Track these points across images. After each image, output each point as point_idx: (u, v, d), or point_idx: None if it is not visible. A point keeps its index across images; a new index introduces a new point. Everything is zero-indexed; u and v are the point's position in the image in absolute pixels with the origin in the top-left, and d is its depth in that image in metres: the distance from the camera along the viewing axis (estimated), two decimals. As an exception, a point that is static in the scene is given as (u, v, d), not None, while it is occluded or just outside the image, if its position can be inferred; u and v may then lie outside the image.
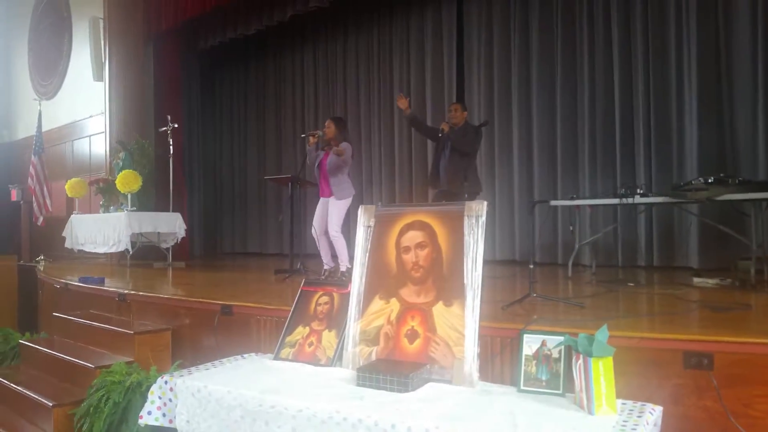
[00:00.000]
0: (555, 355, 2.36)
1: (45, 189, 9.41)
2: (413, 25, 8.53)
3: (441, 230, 2.69)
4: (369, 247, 2.85)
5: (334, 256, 5.50)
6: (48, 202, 9.42)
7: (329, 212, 5.42)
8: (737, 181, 4.56)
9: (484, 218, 2.60)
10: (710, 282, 4.49)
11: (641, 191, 5.09)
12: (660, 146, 6.39)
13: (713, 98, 6.06)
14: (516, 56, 7.52)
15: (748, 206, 4.73)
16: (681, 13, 6.28)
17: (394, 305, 2.68)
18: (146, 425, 2.77)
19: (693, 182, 4.72)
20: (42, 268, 7.38)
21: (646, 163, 6.46)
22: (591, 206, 5.81)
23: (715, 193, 4.52)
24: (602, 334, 2.17)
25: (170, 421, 2.68)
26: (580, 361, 2.16)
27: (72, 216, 8.55)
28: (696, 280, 4.62)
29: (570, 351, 2.29)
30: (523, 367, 2.39)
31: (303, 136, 5.98)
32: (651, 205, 5.50)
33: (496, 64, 7.69)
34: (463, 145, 5.32)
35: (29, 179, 9.48)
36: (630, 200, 5.01)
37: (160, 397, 2.71)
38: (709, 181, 4.59)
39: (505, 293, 4.18)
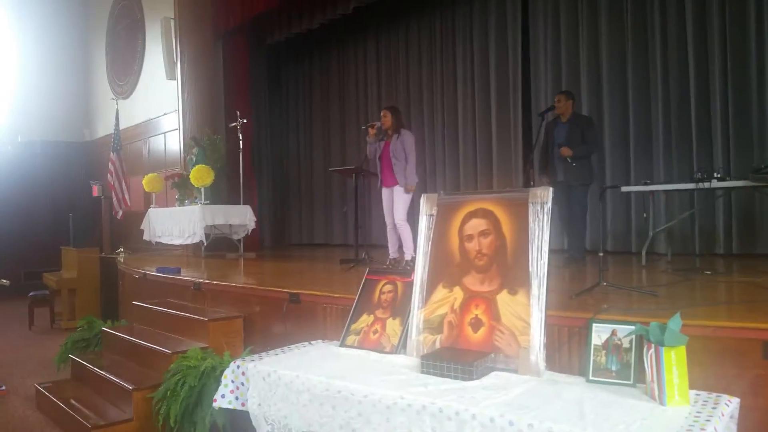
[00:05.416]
0: (625, 344, 2.29)
1: (123, 184, 9.85)
2: (476, 12, 8.39)
3: (505, 218, 2.65)
4: (432, 235, 2.85)
5: (401, 247, 5.53)
6: (127, 196, 9.86)
7: (394, 201, 5.45)
8: (825, 163, 4.29)
9: (549, 205, 2.54)
10: (796, 270, 4.24)
11: (719, 175, 4.85)
12: (739, 127, 6.07)
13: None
14: (584, 39, 7.28)
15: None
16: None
17: (458, 294, 2.68)
18: (220, 408, 2.89)
19: (776, 164, 4.47)
20: (122, 260, 7.75)
21: (723, 145, 6.15)
22: (666, 192, 5.59)
23: (801, 176, 4.26)
24: (675, 322, 2.10)
25: (242, 404, 2.78)
26: (652, 350, 2.10)
27: (149, 210, 8.94)
28: (780, 267, 4.37)
29: (641, 340, 2.22)
30: (592, 357, 2.34)
31: (363, 128, 6.02)
32: (729, 189, 5.24)
33: (564, 47, 7.48)
34: (594, 143, 5.61)
35: (109, 175, 9.94)
36: (707, 185, 4.78)
37: (233, 381, 2.82)
38: (794, 162, 4.34)
39: (574, 282, 4.09)
